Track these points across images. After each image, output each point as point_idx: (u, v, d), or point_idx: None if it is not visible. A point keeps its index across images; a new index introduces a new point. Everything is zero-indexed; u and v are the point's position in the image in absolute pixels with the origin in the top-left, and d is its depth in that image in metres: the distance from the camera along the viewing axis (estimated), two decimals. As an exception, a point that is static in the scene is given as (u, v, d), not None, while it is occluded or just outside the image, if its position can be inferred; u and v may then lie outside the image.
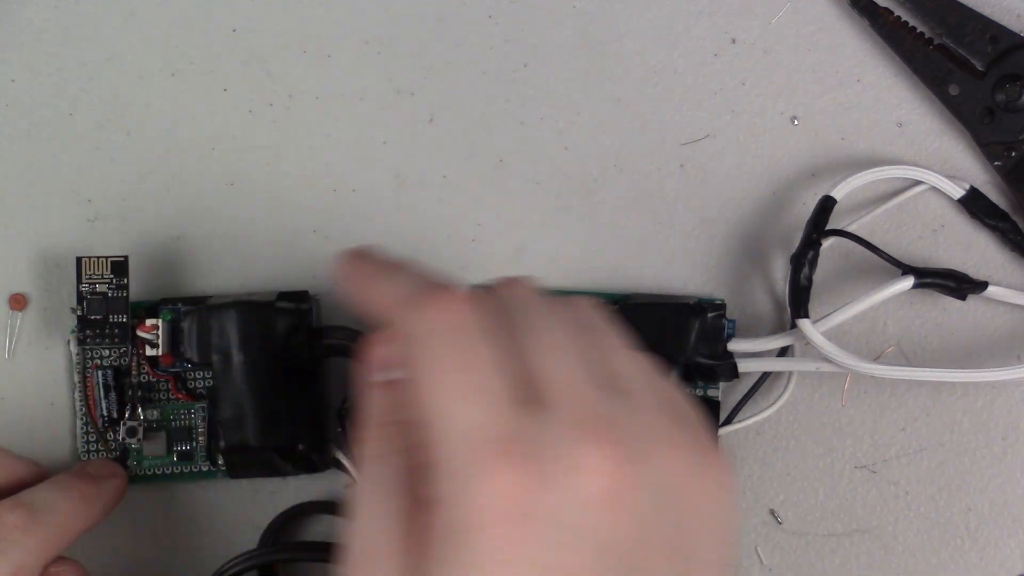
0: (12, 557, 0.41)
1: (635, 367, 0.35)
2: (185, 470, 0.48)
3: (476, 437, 0.31)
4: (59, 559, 0.43)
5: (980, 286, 0.47)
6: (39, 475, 0.47)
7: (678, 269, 0.49)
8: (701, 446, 0.33)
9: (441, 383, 0.32)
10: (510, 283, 0.36)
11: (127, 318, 0.47)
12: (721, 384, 0.48)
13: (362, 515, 0.33)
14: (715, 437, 0.47)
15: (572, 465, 0.31)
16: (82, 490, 0.45)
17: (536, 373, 0.33)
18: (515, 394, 0.32)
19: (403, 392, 0.34)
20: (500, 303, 0.35)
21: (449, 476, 0.31)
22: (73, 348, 0.48)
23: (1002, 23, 0.48)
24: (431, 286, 0.35)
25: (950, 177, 0.48)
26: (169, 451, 0.48)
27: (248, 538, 0.49)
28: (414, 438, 0.33)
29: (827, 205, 0.47)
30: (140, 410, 0.48)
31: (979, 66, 0.48)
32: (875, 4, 0.48)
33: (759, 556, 0.49)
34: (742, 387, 0.48)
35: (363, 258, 0.38)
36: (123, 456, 0.48)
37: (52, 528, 0.43)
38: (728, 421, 0.48)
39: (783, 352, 0.48)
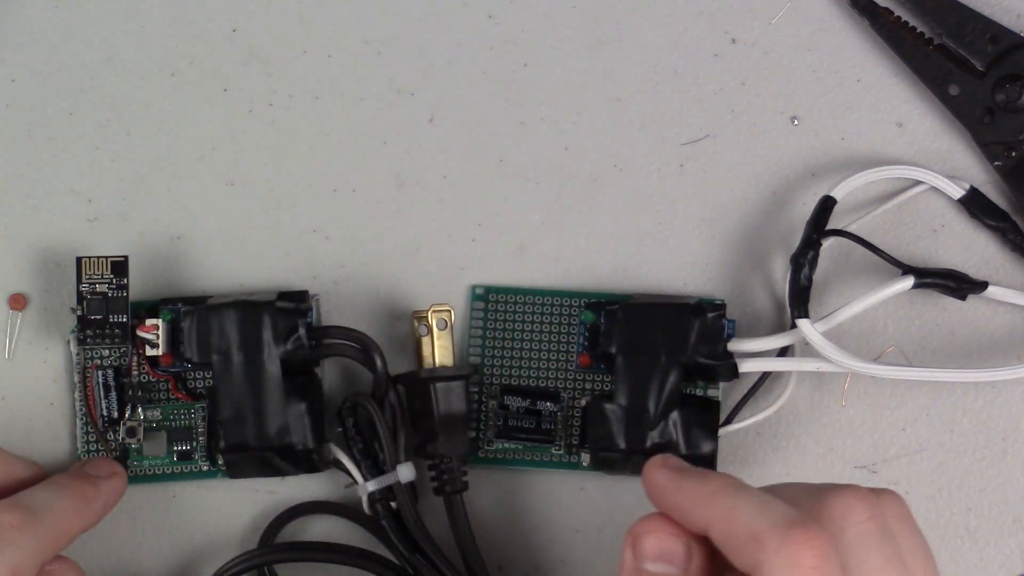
0: (10, 556, 0.41)
1: None
2: (185, 470, 0.48)
3: None
4: (57, 558, 0.43)
5: (980, 286, 0.47)
6: (38, 475, 0.46)
7: (678, 269, 0.49)
8: None
9: None
10: (865, 505, 0.36)
11: (127, 318, 0.47)
12: (721, 384, 0.48)
13: None
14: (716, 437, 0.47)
15: None
16: (81, 490, 0.45)
17: None
18: None
19: None
20: (848, 538, 0.35)
21: None
22: (73, 348, 0.48)
23: (1002, 23, 0.48)
24: (798, 521, 0.35)
25: (950, 177, 0.48)
26: (169, 451, 0.48)
27: (248, 538, 0.49)
28: None
29: (827, 205, 0.47)
30: (140, 410, 0.48)
31: (979, 66, 0.48)
32: (875, 4, 0.48)
33: (759, 556, 0.49)
34: (742, 387, 0.48)
35: (684, 475, 0.39)
36: (123, 456, 0.48)
37: (50, 528, 0.43)
38: (728, 421, 0.48)
39: (783, 352, 0.48)
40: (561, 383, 0.49)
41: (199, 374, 0.48)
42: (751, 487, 0.37)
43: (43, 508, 0.43)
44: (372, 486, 0.47)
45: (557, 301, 0.49)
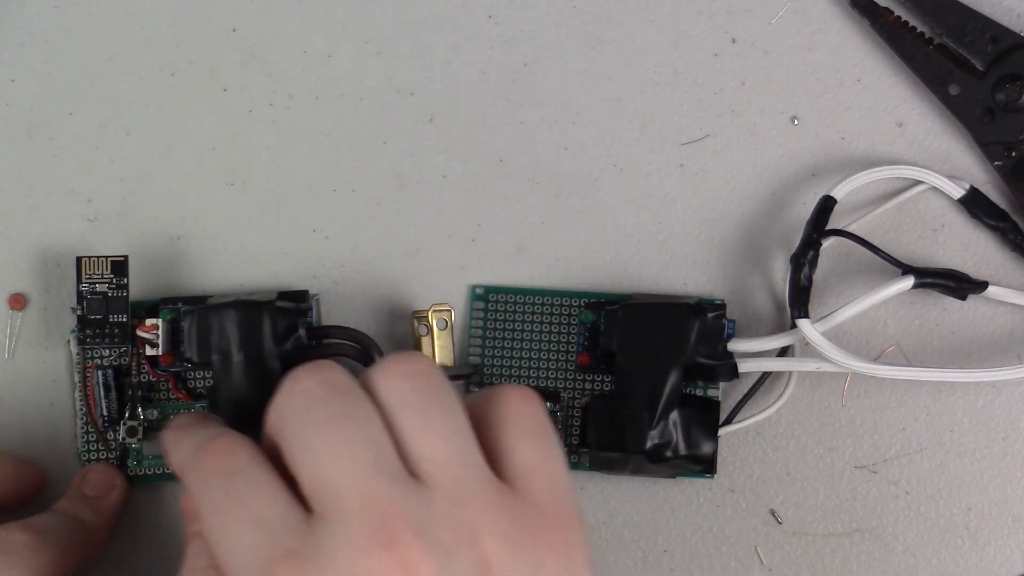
0: (20, 573, 0.42)
1: (439, 449, 0.35)
2: (185, 470, 0.48)
3: (252, 565, 0.34)
4: None
5: (980, 286, 0.47)
6: (38, 476, 0.47)
7: (678, 269, 0.49)
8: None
9: (214, 529, 0.36)
10: (307, 374, 0.37)
11: (127, 318, 0.47)
12: (721, 384, 0.48)
13: None
14: (716, 438, 0.47)
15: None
16: (86, 519, 0.46)
17: (314, 484, 0.34)
18: (289, 516, 0.34)
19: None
20: (280, 409, 0.36)
21: None
22: (73, 348, 0.48)
23: (1002, 23, 0.48)
24: (204, 442, 0.38)
25: (950, 177, 0.48)
26: (169, 451, 0.48)
27: (248, 538, 0.49)
28: None
29: (827, 205, 0.47)
30: (140, 410, 0.48)
31: (979, 66, 0.48)
32: (875, 4, 0.48)
33: (759, 556, 0.49)
34: (742, 387, 0.48)
35: (174, 433, 0.42)
36: (123, 456, 0.48)
37: (58, 553, 0.43)
38: (728, 421, 0.48)
39: (783, 352, 0.48)
40: (561, 383, 0.49)
41: (199, 374, 0.48)
42: (204, 422, 0.42)
43: (53, 534, 0.44)
44: (372, 486, 0.47)
45: (557, 301, 0.49)
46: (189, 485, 0.38)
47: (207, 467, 0.37)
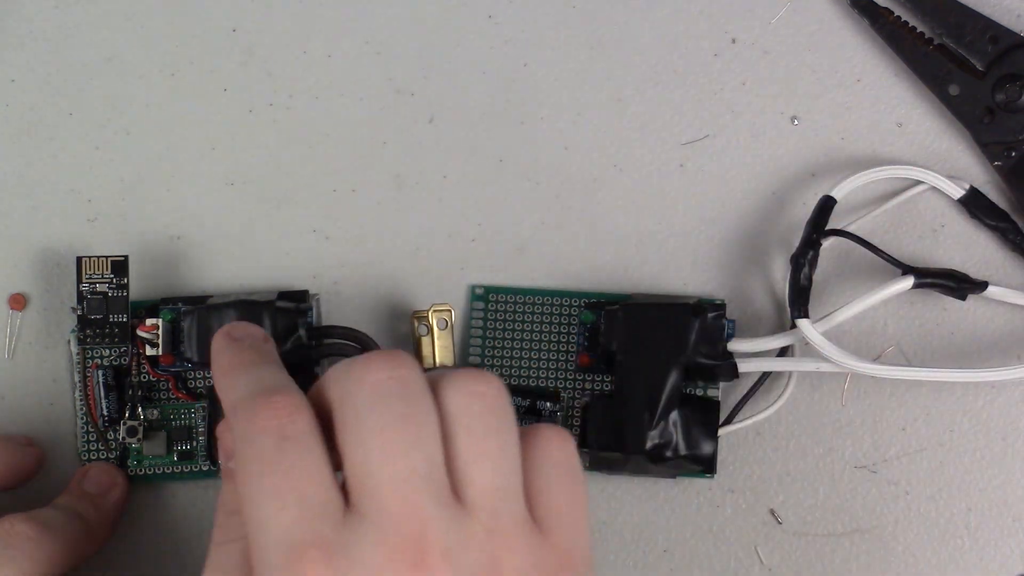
0: (22, 565, 0.42)
1: (488, 478, 0.35)
2: (185, 470, 0.48)
3: (284, 542, 0.33)
4: None
5: (980, 286, 0.47)
6: (34, 455, 0.47)
7: (678, 269, 0.49)
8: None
9: (252, 491, 0.34)
10: (364, 368, 0.36)
11: (127, 318, 0.47)
12: (721, 384, 0.48)
13: None
14: (716, 438, 0.47)
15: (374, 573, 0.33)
16: (88, 516, 0.46)
17: (361, 480, 0.34)
18: (331, 503, 0.34)
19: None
20: (347, 394, 0.35)
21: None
22: (73, 348, 0.48)
23: (1002, 23, 0.48)
24: (264, 392, 0.36)
25: (950, 177, 0.48)
26: (169, 451, 0.48)
27: (248, 538, 0.49)
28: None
29: (827, 205, 0.47)
30: (140, 410, 0.48)
31: (979, 66, 0.48)
32: (875, 4, 0.48)
33: (759, 556, 0.49)
34: (742, 387, 0.48)
35: (229, 346, 0.40)
36: (123, 456, 0.48)
37: (59, 547, 0.43)
38: (728, 421, 0.48)
39: (783, 352, 0.48)
40: (561, 383, 0.49)
41: (199, 374, 0.48)
42: (267, 364, 0.39)
43: (55, 526, 0.44)
44: (372, 486, 0.46)
45: (557, 301, 0.49)
46: (236, 428, 0.36)
47: (261, 422, 0.35)
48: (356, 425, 0.34)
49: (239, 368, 0.39)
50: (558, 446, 0.37)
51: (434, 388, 0.36)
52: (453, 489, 0.34)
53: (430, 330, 0.48)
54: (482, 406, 0.35)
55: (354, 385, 0.35)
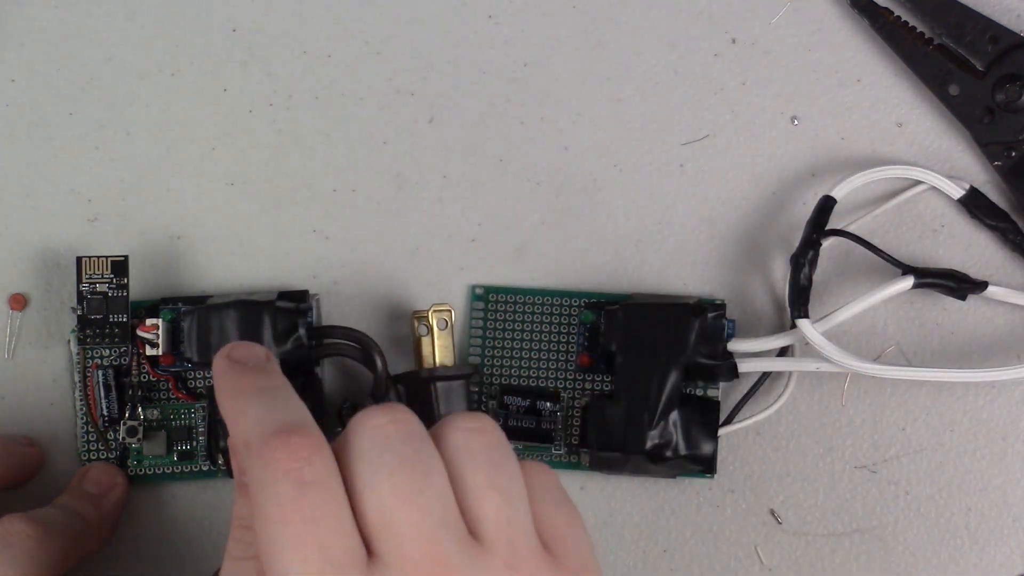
0: (22, 565, 0.42)
1: (500, 510, 0.35)
2: (185, 470, 0.48)
3: None
4: None
5: (980, 286, 0.47)
6: (34, 455, 0.47)
7: (678, 269, 0.49)
8: None
9: (272, 538, 0.33)
10: (373, 416, 0.35)
11: (127, 318, 0.47)
12: (721, 384, 0.48)
13: None
14: (716, 440, 0.47)
15: None
16: (88, 516, 0.46)
17: (379, 526, 0.33)
18: (354, 553, 0.33)
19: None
20: (350, 444, 0.35)
21: None
22: (73, 348, 0.48)
23: (1002, 23, 0.48)
24: (279, 430, 0.35)
25: (950, 177, 0.48)
26: (169, 451, 0.48)
27: (248, 538, 0.49)
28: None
29: (827, 205, 0.47)
30: (140, 410, 0.48)
31: (979, 66, 0.48)
32: (875, 4, 0.48)
33: (759, 556, 0.49)
34: (742, 387, 0.48)
35: (231, 367, 0.38)
36: (123, 456, 0.48)
37: (59, 546, 0.43)
38: (728, 421, 0.48)
39: (783, 352, 0.48)
40: (561, 383, 0.49)
41: (199, 374, 0.48)
42: (275, 389, 0.37)
43: (55, 526, 0.44)
44: (372, 486, 0.46)
45: (557, 301, 0.49)
46: (252, 470, 0.34)
47: (279, 465, 0.34)
48: (363, 469, 0.34)
49: (245, 395, 0.37)
50: (546, 474, 0.37)
51: (432, 434, 0.36)
52: (467, 526, 0.34)
53: (430, 330, 0.48)
54: (482, 441, 0.35)
55: (355, 434, 0.35)
